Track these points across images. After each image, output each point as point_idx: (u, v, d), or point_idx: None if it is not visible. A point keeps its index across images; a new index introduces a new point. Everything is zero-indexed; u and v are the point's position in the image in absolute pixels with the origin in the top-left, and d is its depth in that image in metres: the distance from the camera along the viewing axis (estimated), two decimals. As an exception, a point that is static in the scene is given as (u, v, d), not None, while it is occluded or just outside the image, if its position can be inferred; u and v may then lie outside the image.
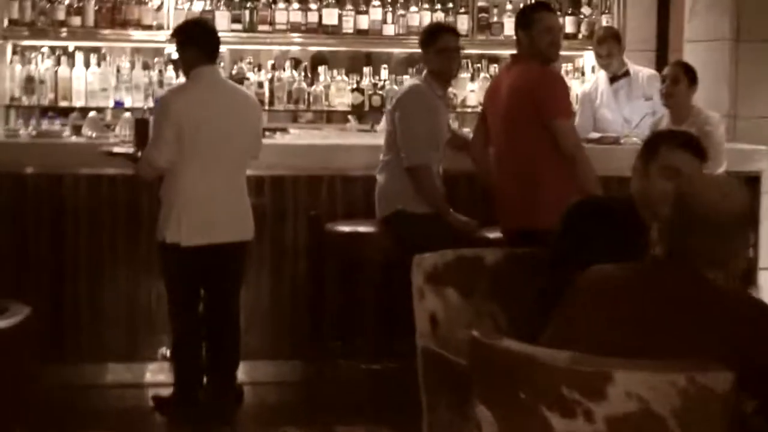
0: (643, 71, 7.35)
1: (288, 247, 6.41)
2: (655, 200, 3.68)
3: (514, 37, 5.80)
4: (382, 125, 8.57)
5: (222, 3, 7.77)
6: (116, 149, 6.02)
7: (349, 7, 7.82)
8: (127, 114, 7.02)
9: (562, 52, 6.54)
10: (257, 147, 5.75)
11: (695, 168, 3.68)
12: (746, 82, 6.76)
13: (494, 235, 5.99)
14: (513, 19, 7.66)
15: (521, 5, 7.90)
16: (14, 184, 6.26)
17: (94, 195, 6.31)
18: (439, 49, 6.04)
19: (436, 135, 6.07)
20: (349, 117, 8.43)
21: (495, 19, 7.98)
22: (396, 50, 8.34)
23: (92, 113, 6.91)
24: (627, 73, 7.15)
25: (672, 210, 3.06)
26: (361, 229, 6.18)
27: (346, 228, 6.22)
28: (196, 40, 5.60)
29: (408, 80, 6.96)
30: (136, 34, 7.70)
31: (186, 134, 5.42)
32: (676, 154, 3.69)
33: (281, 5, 7.80)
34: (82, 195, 6.30)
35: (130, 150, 5.86)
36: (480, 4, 8.01)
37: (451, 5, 7.90)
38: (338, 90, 7.99)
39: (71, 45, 7.93)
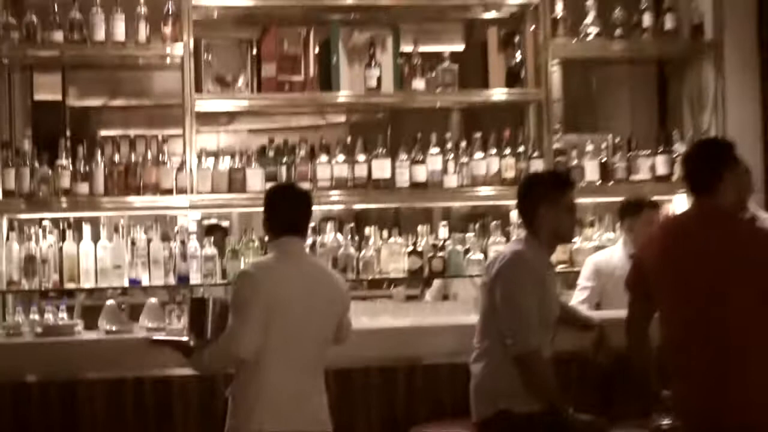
0: (763, 215, 6.24)
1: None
2: None
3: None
4: (434, 291, 7.67)
5: (254, 159, 6.64)
6: (163, 336, 5.35)
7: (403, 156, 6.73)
8: (153, 300, 5.97)
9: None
10: (347, 332, 4.90)
11: None
12: None
13: None
14: (594, 162, 6.83)
15: (599, 144, 6.93)
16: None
17: (114, 404, 5.45)
18: (561, 207, 4.94)
19: (548, 313, 5.01)
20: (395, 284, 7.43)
21: (575, 161, 6.86)
22: (458, 204, 7.21)
23: (110, 301, 5.99)
24: (755, 220, 5.95)
25: None
26: (456, 433, 5.12)
27: (435, 432, 5.18)
28: (282, 205, 4.82)
29: (508, 244, 5.76)
30: (154, 200, 6.55)
31: (277, 318, 4.59)
32: None
33: (323, 158, 6.68)
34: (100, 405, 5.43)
35: (182, 338, 5.01)
36: (556, 146, 6.93)
37: (522, 149, 6.79)
38: (391, 254, 6.83)
39: (75, 216, 6.79)
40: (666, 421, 4.78)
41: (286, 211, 4.79)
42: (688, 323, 4.56)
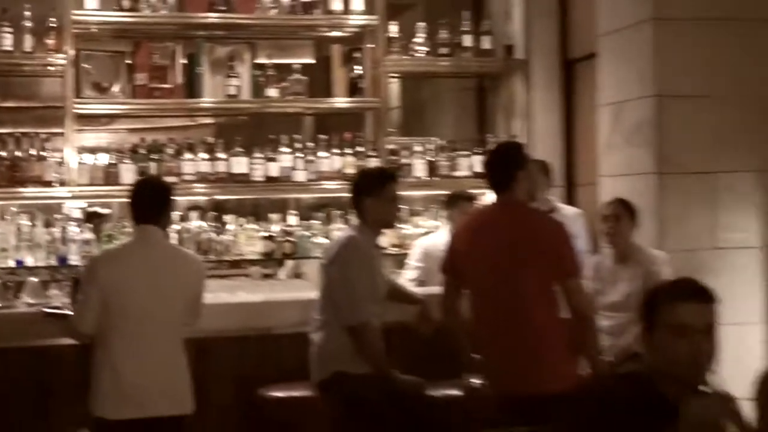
0: (566, 209, 6.45)
1: (215, 416, 5.25)
2: (672, 366, 2.78)
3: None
4: (287, 270, 7.70)
5: (127, 156, 6.63)
6: (52, 310, 5.16)
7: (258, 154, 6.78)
8: (33, 278, 5.89)
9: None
10: (195, 313, 4.72)
11: (708, 318, 2.79)
12: (671, 214, 5.88)
13: (441, 392, 5.10)
14: (422, 160, 6.99)
15: (426, 145, 7.09)
16: None
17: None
18: (384, 198, 5.02)
19: (377, 289, 5.05)
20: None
21: (404, 160, 7.00)
22: (306, 196, 7.27)
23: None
24: (553, 211, 6.15)
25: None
26: (298, 393, 5.09)
27: (280, 393, 5.15)
28: (139, 196, 4.72)
29: (343, 231, 5.81)
30: (39, 191, 6.48)
31: (113, 300, 4.48)
32: (683, 307, 2.77)
33: (189, 156, 6.71)
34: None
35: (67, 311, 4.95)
36: (390, 147, 7.05)
37: (361, 149, 6.90)
38: (248, 238, 6.89)
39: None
40: (475, 381, 4.87)
41: (142, 202, 4.69)
42: (490, 299, 4.72)
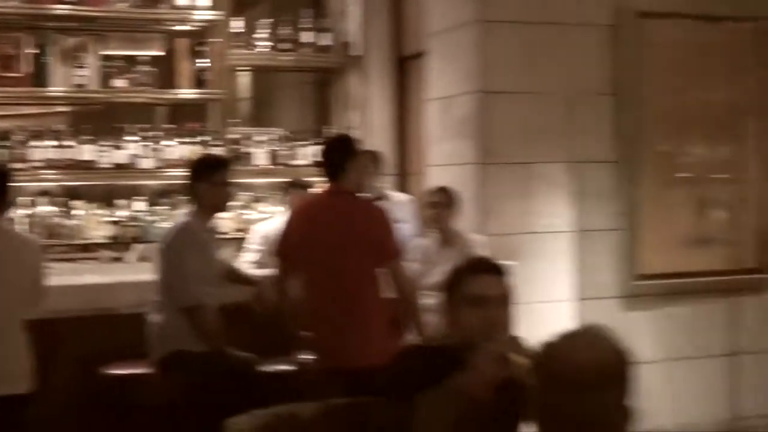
0: (397, 195, 6.39)
1: (59, 395, 5.00)
2: (468, 332, 2.81)
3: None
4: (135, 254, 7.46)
5: (-25, 143, 6.30)
6: None
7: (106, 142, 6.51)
8: None
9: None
10: (37, 295, 4.43)
11: (501, 289, 2.87)
12: (492, 201, 5.88)
13: (274, 368, 4.99)
14: (263, 149, 6.85)
15: (269, 135, 6.96)
16: None
17: None
18: (216, 183, 4.85)
19: (209, 271, 4.88)
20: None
21: (247, 149, 6.82)
22: (152, 182, 7.00)
23: None
24: (383, 198, 6.09)
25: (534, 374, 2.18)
26: (138, 371, 4.91)
27: (121, 371, 4.96)
28: None
29: (179, 216, 5.60)
30: None
31: None
32: (478, 280, 2.84)
33: (37, 143, 6.39)
34: None
35: None
36: (234, 136, 6.86)
37: (207, 138, 6.69)
38: (97, 223, 6.62)
39: None
40: (305, 356, 4.81)
41: None
42: (320, 280, 4.66)
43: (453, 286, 2.91)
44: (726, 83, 6.25)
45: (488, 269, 2.90)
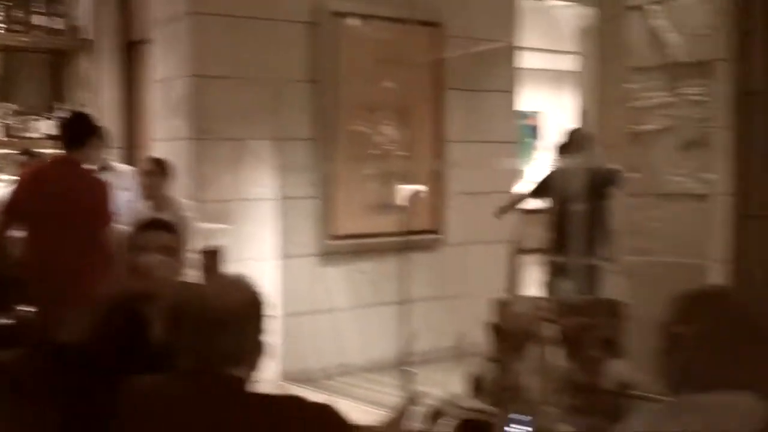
0: (121, 167, 6.93)
1: None
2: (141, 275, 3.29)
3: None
4: None
5: None
6: None
7: None
8: None
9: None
10: None
11: (165, 240, 3.34)
12: (207, 172, 6.56)
13: None
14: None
15: (2, 112, 7.31)
16: None
17: None
18: None
19: None
20: None
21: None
22: None
23: None
24: (107, 168, 6.64)
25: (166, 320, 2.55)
26: None
27: None
28: None
29: None
30: None
31: None
32: (147, 234, 3.36)
33: None
34: None
35: None
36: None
37: None
38: None
39: None
40: (26, 309, 5.05)
41: None
42: (45, 240, 5.13)
43: (132, 239, 3.39)
44: (405, 74, 7.17)
45: (151, 225, 3.43)
